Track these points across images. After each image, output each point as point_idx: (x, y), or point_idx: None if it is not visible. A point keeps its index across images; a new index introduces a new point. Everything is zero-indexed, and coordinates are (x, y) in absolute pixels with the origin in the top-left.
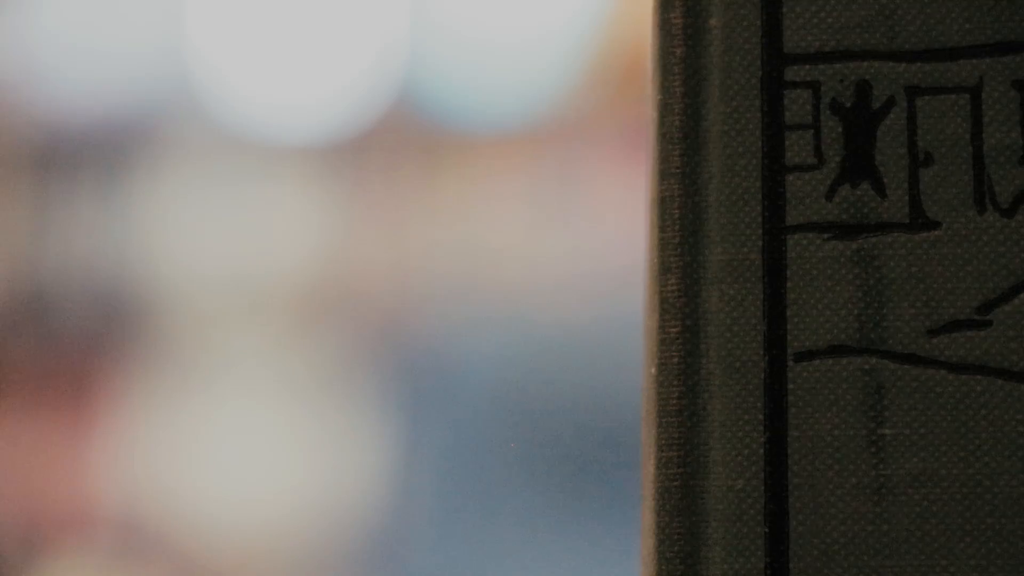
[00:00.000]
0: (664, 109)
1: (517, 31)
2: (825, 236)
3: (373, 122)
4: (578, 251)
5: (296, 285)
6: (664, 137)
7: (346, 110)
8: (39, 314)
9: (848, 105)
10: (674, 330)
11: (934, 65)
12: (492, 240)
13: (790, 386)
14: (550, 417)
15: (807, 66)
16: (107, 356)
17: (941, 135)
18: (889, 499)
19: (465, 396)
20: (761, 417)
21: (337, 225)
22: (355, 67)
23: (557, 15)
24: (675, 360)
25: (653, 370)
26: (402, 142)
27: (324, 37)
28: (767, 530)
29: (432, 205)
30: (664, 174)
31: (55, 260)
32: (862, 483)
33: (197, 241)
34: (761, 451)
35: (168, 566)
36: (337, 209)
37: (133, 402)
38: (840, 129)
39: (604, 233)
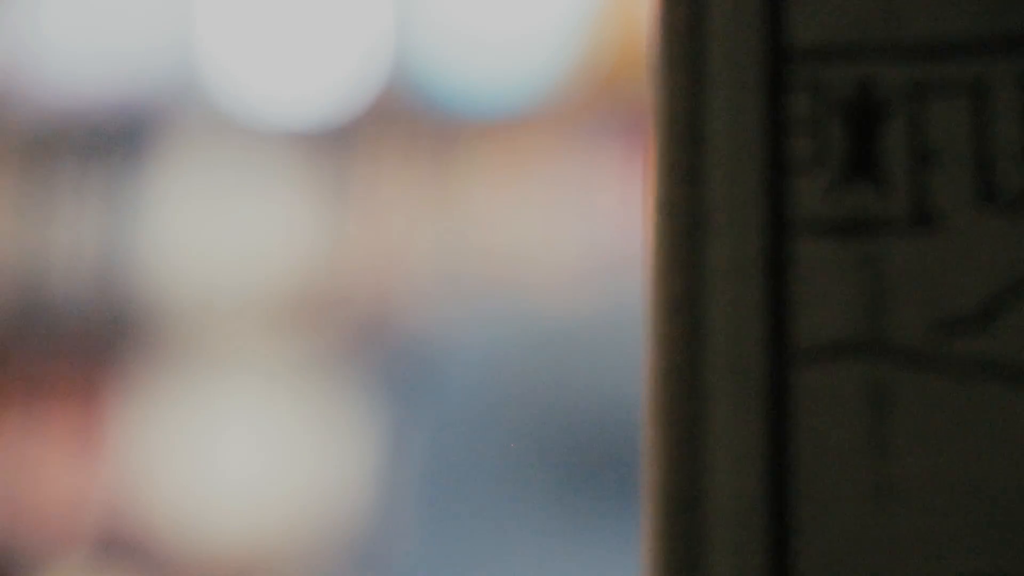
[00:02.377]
0: (664, 108)
1: (516, 23)
2: (826, 236)
3: (373, 112)
4: (577, 245)
5: (295, 281)
6: (664, 136)
7: (345, 98)
8: (39, 314)
9: (849, 104)
10: (674, 330)
11: (936, 63)
12: (489, 234)
13: (791, 386)
14: (549, 415)
15: (808, 65)
16: (107, 356)
17: (943, 134)
18: (891, 500)
19: (463, 395)
20: (762, 417)
21: (335, 216)
22: (355, 56)
23: (556, 8)
24: (675, 360)
25: (654, 370)
26: (401, 131)
27: (325, 26)
28: (768, 530)
29: (430, 195)
30: (664, 173)
31: (55, 260)
32: (864, 484)
33: (197, 235)
34: (762, 451)
35: (168, 566)
36: (335, 199)
37: (132, 402)
38: (841, 128)
39: (604, 227)
